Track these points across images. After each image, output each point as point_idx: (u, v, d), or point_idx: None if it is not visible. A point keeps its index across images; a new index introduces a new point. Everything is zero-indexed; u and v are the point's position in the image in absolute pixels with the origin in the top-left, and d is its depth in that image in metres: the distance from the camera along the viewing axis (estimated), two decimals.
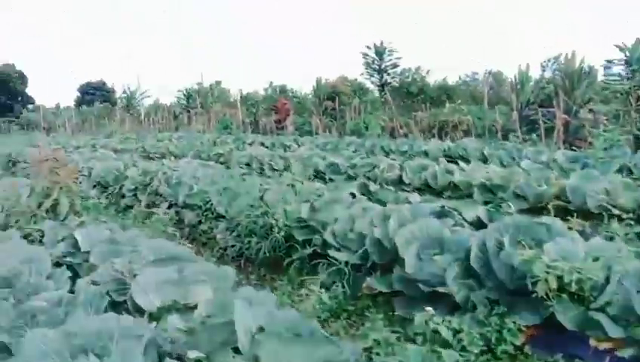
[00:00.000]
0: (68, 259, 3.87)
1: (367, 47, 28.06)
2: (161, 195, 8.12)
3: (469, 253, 3.66)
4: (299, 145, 14.50)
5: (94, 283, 3.40)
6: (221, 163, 11.67)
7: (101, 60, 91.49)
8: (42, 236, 4.75)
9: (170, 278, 3.18)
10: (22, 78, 48.67)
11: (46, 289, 3.31)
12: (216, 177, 7.69)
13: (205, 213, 6.69)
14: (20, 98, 48.40)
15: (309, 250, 4.85)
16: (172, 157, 11.38)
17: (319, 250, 4.80)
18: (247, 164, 11.45)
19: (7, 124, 43.12)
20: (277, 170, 10.69)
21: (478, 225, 4.77)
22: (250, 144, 15.93)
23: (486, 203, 6.64)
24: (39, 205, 5.19)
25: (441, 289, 3.60)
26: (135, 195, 8.78)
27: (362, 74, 28.79)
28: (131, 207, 8.92)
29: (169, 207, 7.87)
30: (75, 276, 3.67)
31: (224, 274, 3.35)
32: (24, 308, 2.95)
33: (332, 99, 23.30)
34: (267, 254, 5.17)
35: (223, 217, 6.33)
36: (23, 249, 4.22)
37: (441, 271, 3.70)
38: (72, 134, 33.87)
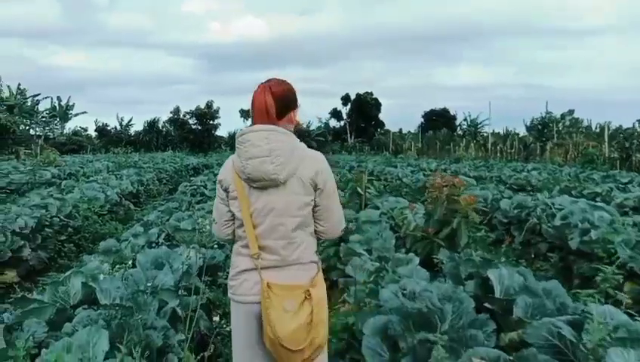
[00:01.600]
0: (486, 304, 3.43)
1: None
2: (540, 234, 7.26)
3: None
4: None
5: (526, 344, 2.83)
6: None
7: (445, 90, 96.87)
8: (441, 266, 4.54)
9: None
10: (377, 105, 55.57)
11: (474, 340, 2.91)
12: (617, 223, 6.36)
13: (607, 267, 5.49)
14: (373, 122, 55.30)
15: None
16: (546, 191, 10.29)
17: None
18: (636, 208, 9.45)
19: (360, 144, 49.75)
20: None
21: None
22: (629, 183, 13.39)
23: None
24: (436, 233, 5.07)
25: None
26: (507, 230, 8.18)
27: None
28: (501, 241, 8.37)
29: (550, 250, 6.95)
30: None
31: None
32: (463, 360, 2.58)
33: None
34: None
35: (637, 277, 5.05)
36: (427, 279, 4.06)
37: None
38: (418, 157, 36.25)
